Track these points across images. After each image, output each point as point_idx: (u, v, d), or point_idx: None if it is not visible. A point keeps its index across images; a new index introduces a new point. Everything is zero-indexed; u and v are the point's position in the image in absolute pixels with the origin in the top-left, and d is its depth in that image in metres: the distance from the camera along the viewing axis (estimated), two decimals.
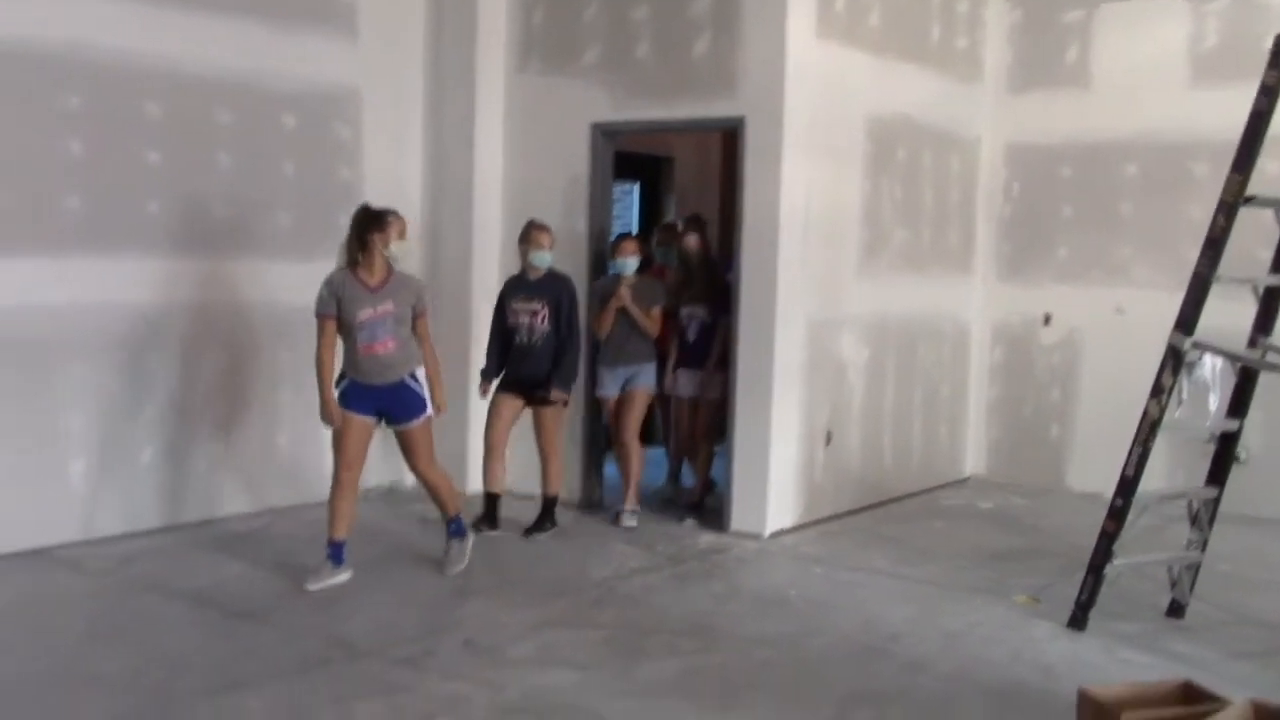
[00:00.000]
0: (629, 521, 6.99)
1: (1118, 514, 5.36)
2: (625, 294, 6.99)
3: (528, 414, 6.88)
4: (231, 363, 6.89)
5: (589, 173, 7.48)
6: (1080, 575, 5.50)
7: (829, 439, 7.36)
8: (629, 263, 7.06)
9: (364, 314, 5.60)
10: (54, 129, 6.09)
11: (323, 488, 7.08)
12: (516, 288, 6.83)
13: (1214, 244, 5.18)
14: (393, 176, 7.71)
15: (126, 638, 5.00)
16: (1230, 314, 5.46)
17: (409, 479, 7.80)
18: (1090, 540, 5.51)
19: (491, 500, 6.82)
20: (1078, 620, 5.44)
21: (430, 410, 5.80)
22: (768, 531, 6.91)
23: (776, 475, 6.94)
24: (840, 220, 7.36)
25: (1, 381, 5.95)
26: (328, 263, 6.65)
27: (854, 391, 7.61)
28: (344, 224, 7.34)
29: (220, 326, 6.81)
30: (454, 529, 6.06)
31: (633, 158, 9.14)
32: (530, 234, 6.76)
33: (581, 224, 7.47)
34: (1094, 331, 8.40)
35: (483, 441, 6.88)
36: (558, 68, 7.62)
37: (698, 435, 7.51)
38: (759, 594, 5.93)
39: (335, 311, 5.62)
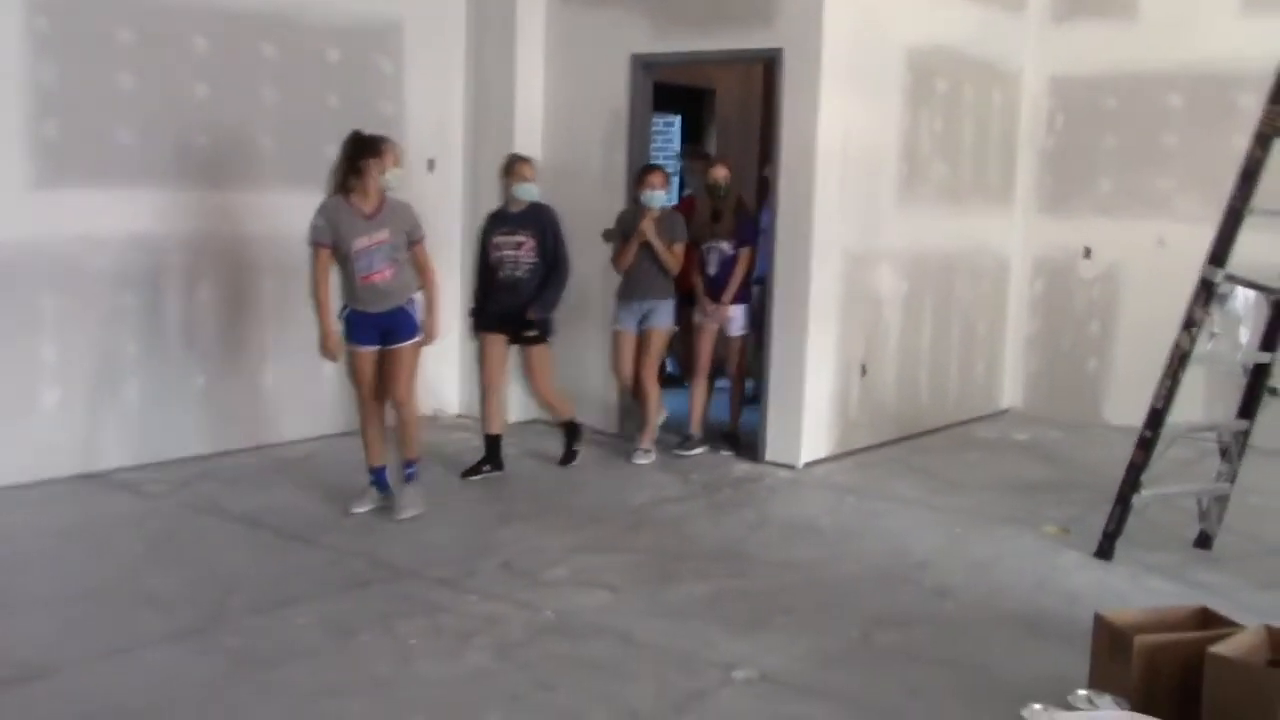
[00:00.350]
0: (641, 459, 6.99)
1: (1146, 445, 5.42)
2: (649, 226, 6.84)
3: None
4: (279, 292, 7.04)
5: (628, 105, 7.52)
6: (1109, 507, 5.57)
7: (864, 371, 7.43)
8: (657, 195, 6.88)
9: (360, 242, 5.57)
10: (105, 62, 6.23)
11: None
12: (498, 221, 6.62)
13: (1249, 176, 5.18)
14: (434, 110, 7.81)
15: (182, 557, 5.22)
16: (1266, 246, 5.46)
17: (450, 406, 8.02)
18: (1123, 473, 5.56)
19: (492, 441, 6.67)
20: (1105, 550, 5.52)
21: (420, 335, 5.79)
22: (802, 462, 7.02)
23: (811, 407, 7.03)
24: (878, 153, 7.36)
25: (61, 307, 6.15)
26: None
27: (890, 325, 7.66)
28: None
29: (266, 258, 6.95)
30: (409, 473, 5.89)
31: (675, 90, 9.16)
32: (514, 166, 6.58)
33: (621, 156, 7.52)
34: (1134, 265, 8.38)
35: (478, 384, 6.79)
36: None
37: (731, 369, 7.42)
38: (790, 522, 6.06)
39: (330, 240, 5.58)
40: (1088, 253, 8.60)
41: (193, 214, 6.61)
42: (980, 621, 4.76)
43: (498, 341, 6.62)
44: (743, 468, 7.03)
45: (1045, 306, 8.86)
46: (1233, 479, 5.68)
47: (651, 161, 7.14)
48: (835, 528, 5.96)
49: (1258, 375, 5.64)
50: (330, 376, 7.35)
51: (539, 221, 6.55)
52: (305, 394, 7.18)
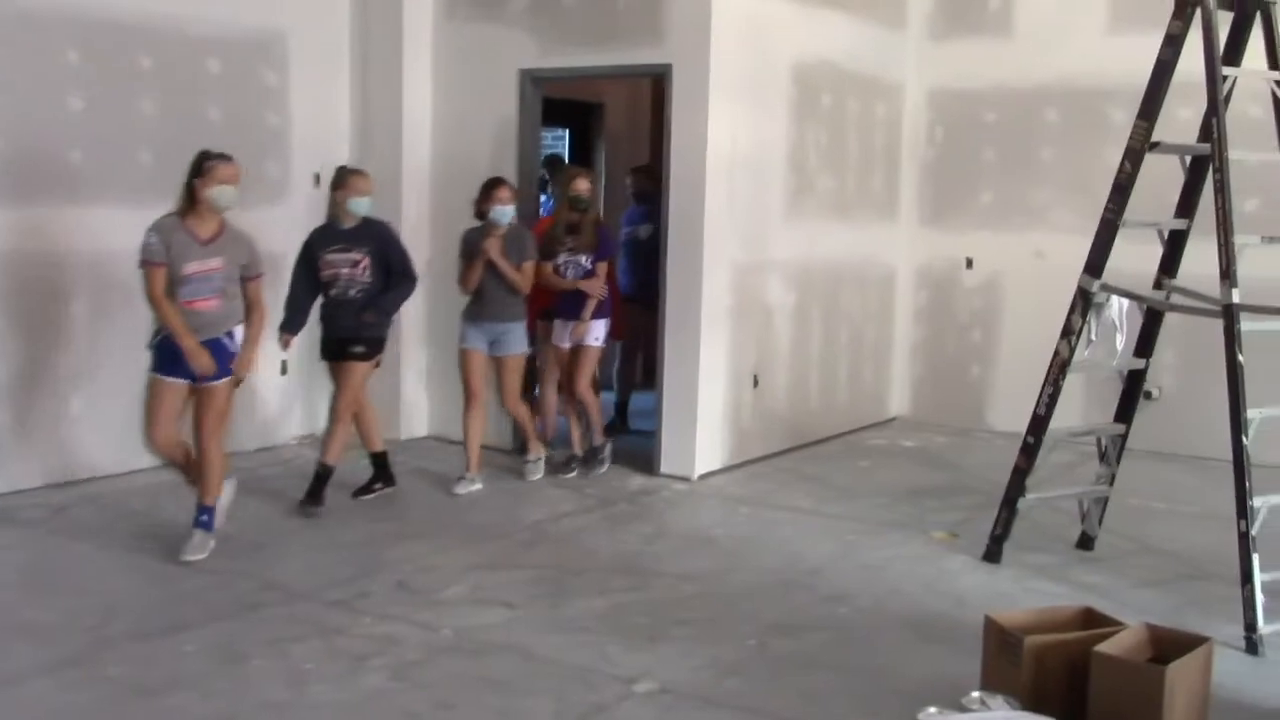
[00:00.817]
0: (532, 474, 6.93)
1: (1029, 451, 5.57)
2: (493, 245, 6.50)
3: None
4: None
5: (518, 119, 7.51)
6: (995, 511, 5.71)
7: (756, 382, 7.50)
8: (505, 211, 6.57)
9: (190, 267, 5.23)
10: None
11: (266, 433, 7.19)
12: (329, 237, 6.21)
13: (1121, 189, 5.35)
14: (320, 122, 7.69)
15: (59, 585, 5.04)
16: (1138, 256, 5.67)
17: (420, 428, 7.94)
18: (1007, 477, 5.70)
19: (379, 458, 6.49)
20: (991, 553, 5.66)
21: (231, 375, 5.42)
22: (696, 474, 7.06)
23: (705, 418, 7.08)
24: (766, 165, 7.46)
25: None
26: (256, 209, 6.68)
27: (781, 335, 7.76)
28: (272, 170, 7.43)
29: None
30: (203, 519, 5.42)
31: (563, 104, 9.16)
32: (348, 179, 6.21)
33: (511, 170, 7.48)
34: (1014, 275, 8.61)
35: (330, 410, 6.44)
36: (485, 14, 7.61)
37: (576, 384, 7.03)
38: (686, 534, 6.09)
39: (165, 260, 5.22)
40: (969, 263, 8.81)
41: (63, 230, 6.40)
42: (873, 627, 4.84)
43: (333, 368, 6.36)
44: (638, 481, 7.04)
45: (930, 316, 9.05)
46: (1111, 481, 5.86)
47: (497, 176, 6.79)
48: (731, 538, 6.01)
49: (1133, 380, 5.84)
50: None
51: (375, 238, 6.21)
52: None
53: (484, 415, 6.83)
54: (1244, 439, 4.73)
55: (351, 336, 6.20)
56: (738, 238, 7.19)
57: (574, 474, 7.03)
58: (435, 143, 7.80)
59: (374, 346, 6.28)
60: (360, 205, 6.21)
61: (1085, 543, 5.90)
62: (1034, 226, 8.50)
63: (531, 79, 7.49)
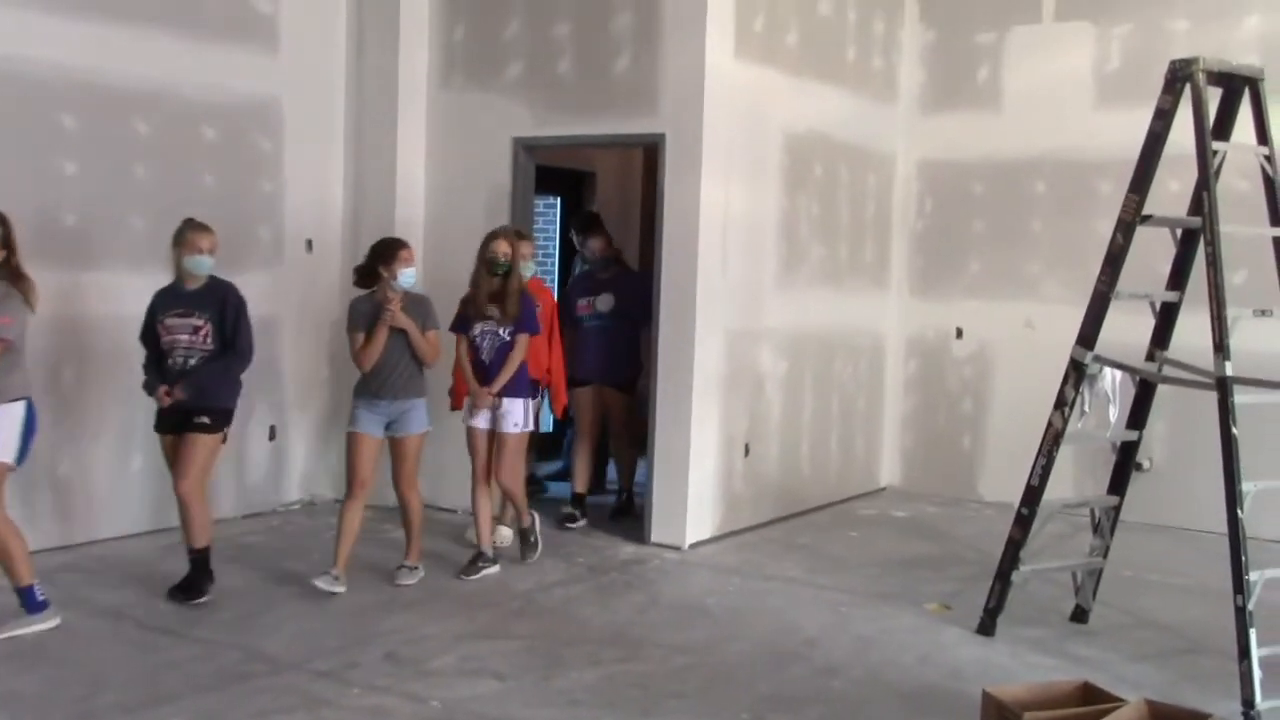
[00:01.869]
0: (405, 579, 6.07)
1: (1023, 522, 5.55)
2: (397, 308, 5.87)
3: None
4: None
5: (511, 187, 7.55)
6: (989, 582, 5.67)
7: (747, 450, 7.48)
8: (409, 274, 5.98)
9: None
10: None
11: (255, 499, 7.10)
12: (170, 301, 5.72)
13: (1113, 261, 5.39)
14: (314, 188, 7.73)
15: (43, 655, 4.95)
16: (1130, 328, 5.69)
17: (326, 492, 7.85)
18: (1000, 548, 5.68)
19: (197, 556, 5.74)
20: (986, 626, 5.61)
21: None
22: (687, 543, 7.01)
23: (696, 487, 7.05)
24: (759, 235, 7.50)
25: None
26: (248, 274, 6.69)
27: (772, 403, 7.75)
28: (265, 236, 7.45)
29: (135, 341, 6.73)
30: (29, 601, 5.18)
31: (555, 172, 9.22)
32: (186, 236, 5.68)
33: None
34: (1004, 345, 8.64)
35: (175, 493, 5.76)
36: (480, 83, 7.68)
37: (498, 474, 6.37)
38: (678, 604, 6.03)
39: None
40: (959, 333, 8.85)
41: (55, 295, 6.37)
42: (868, 700, 4.78)
43: (165, 442, 5.82)
44: (629, 550, 6.99)
45: (920, 385, 9.07)
46: (1105, 553, 5.84)
47: (397, 237, 6.28)
48: (723, 608, 5.95)
49: (1126, 452, 5.83)
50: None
51: (218, 300, 5.70)
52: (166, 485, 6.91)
53: (363, 507, 6.03)
54: (1239, 512, 4.72)
55: (195, 407, 5.63)
56: (730, 306, 7.22)
57: (480, 575, 6.28)
58: (428, 210, 7.83)
59: (221, 418, 5.73)
60: (200, 265, 5.68)
61: (1080, 615, 5.86)
62: (1024, 297, 8.55)
63: (525, 147, 7.54)
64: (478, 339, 6.31)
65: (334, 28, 7.80)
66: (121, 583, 5.97)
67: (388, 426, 6.01)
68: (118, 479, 6.76)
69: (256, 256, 7.31)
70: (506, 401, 6.28)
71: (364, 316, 5.98)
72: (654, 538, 7.06)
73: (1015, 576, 5.56)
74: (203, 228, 5.74)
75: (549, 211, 10.18)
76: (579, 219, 8.43)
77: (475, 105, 7.69)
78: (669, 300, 6.98)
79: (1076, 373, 5.46)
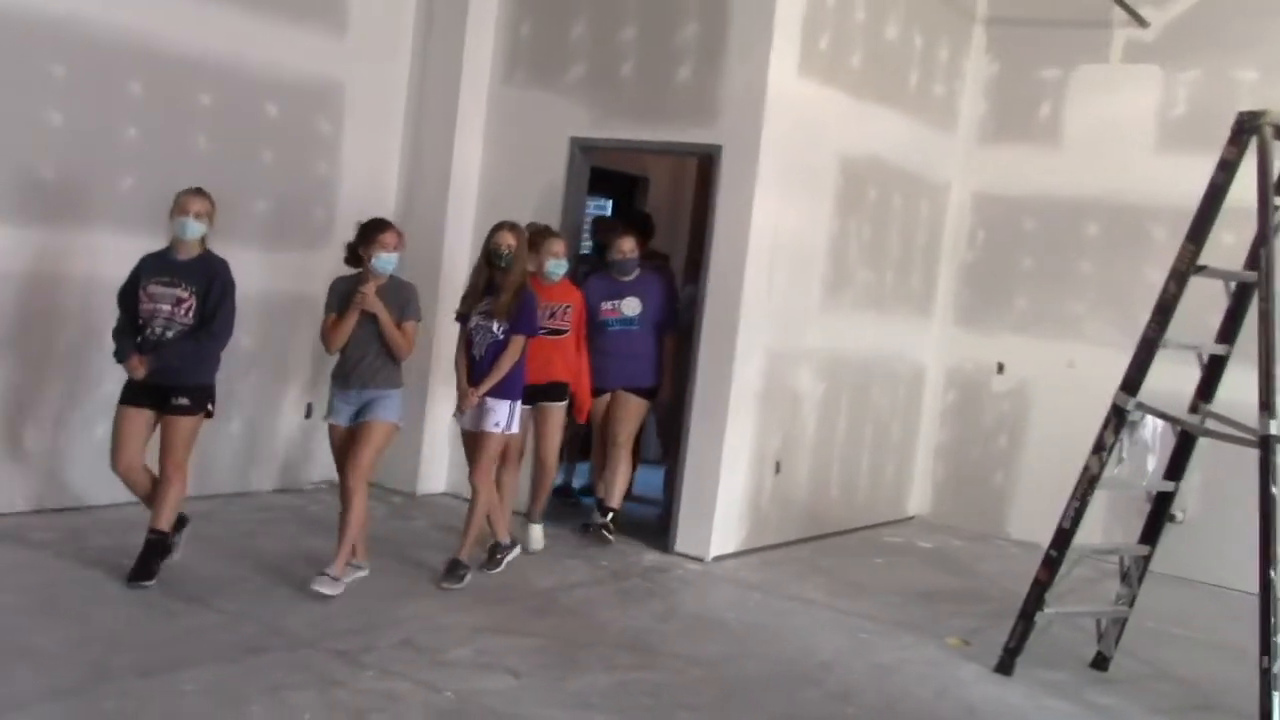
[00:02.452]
0: (325, 588, 5.47)
1: (1051, 564, 5.50)
2: (370, 290, 5.57)
3: None
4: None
5: (564, 184, 7.57)
6: (1011, 621, 5.63)
7: (778, 468, 7.46)
8: (389, 260, 5.68)
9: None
10: (33, 97, 6.11)
11: (287, 475, 7.13)
12: (157, 267, 5.49)
13: (1164, 309, 5.34)
14: (370, 173, 7.78)
15: (65, 611, 5.01)
16: (1175, 377, 5.64)
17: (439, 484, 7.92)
18: (1024, 588, 5.64)
19: (155, 540, 5.46)
20: (1005, 665, 5.56)
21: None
22: (711, 555, 7.00)
23: (724, 501, 7.03)
24: (807, 255, 7.48)
25: None
26: (297, 254, 6.74)
27: (807, 423, 7.72)
28: (317, 216, 7.51)
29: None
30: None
31: (607, 174, 9.23)
32: (178, 199, 5.48)
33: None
34: (1044, 383, 8.57)
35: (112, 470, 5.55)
36: (542, 81, 7.71)
37: (470, 473, 6.16)
38: (697, 615, 6.02)
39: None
40: (1000, 368, 8.78)
41: (110, 258, 6.44)
42: None
43: (138, 417, 5.48)
44: (651, 557, 6.98)
45: (956, 417, 9.01)
46: (1132, 602, 5.78)
47: (381, 218, 5.91)
48: (742, 624, 5.94)
49: (1161, 502, 5.77)
50: (236, 434, 7.21)
51: (207, 274, 5.47)
52: (211, 449, 6.98)
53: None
54: (1272, 573, 4.66)
55: (173, 384, 5.43)
56: (773, 324, 7.20)
57: (503, 565, 6.25)
58: (481, 202, 7.86)
59: (200, 396, 5.52)
60: (185, 228, 5.43)
61: (1100, 663, 5.80)
62: (1067, 336, 8.48)
63: (581, 148, 7.56)
64: (473, 332, 6.07)
65: (402, 14, 7.86)
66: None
67: (356, 415, 5.70)
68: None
69: (306, 236, 7.38)
70: (490, 400, 5.99)
71: (340, 297, 5.70)
72: (678, 547, 7.04)
73: (1039, 618, 5.51)
74: (197, 191, 5.51)
75: (599, 211, 10.19)
76: (602, 221, 8.47)
77: (535, 102, 7.71)
78: (712, 313, 6.97)
79: (1117, 418, 5.41)
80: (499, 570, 6.23)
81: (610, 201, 10.25)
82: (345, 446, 5.71)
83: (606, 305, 7.17)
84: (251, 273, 6.90)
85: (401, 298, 5.70)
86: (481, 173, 7.88)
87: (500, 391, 6.01)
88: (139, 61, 6.49)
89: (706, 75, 7.06)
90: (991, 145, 8.87)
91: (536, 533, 6.82)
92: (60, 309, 6.33)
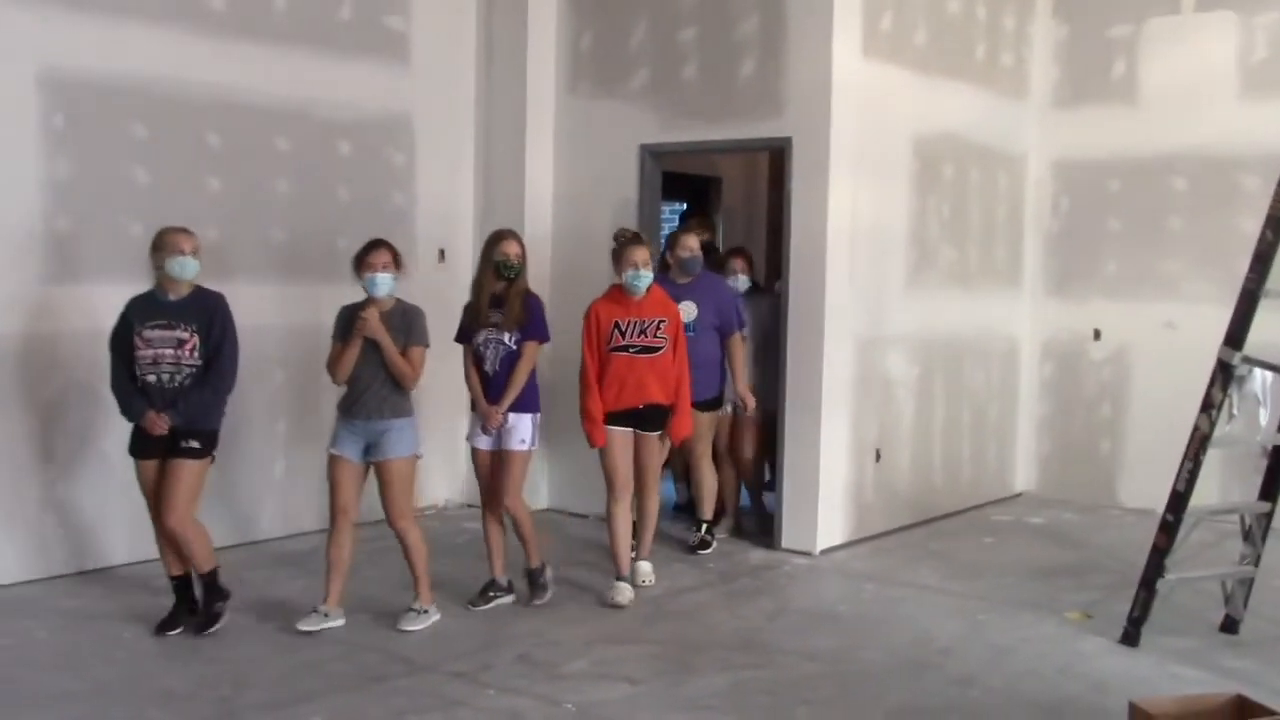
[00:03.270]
0: (409, 624, 5.46)
1: (1169, 529, 5.36)
2: (373, 316, 5.35)
3: None
4: (288, 381, 7.03)
5: (638, 193, 7.59)
6: (1132, 591, 5.50)
7: (878, 456, 7.39)
8: (381, 280, 5.42)
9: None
10: (120, 158, 6.30)
11: (378, 509, 7.18)
12: (149, 311, 5.24)
13: (1261, 259, 5.18)
14: (445, 200, 7.88)
15: (192, 652, 5.14)
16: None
17: (453, 498, 7.95)
18: (1142, 556, 5.51)
19: (181, 583, 5.48)
20: (1130, 636, 5.44)
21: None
22: (818, 548, 6.95)
23: (827, 493, 6.98)
24: (887, 238, 7.40)
25: (63, 399, 6.13)
26: None
27: (903, 409, 7.64)
28: (398, 247, 7.57)
29: (274, 350, 6.92)
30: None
31: (680, 178, 9.24)
32: (166, 238, 5.24)
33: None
34: (1144, 346, 8.37)
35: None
36: (606, 90, 7.74)
37: (504, 497, 5.82)
38: (809, 610, 5.98)
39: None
40: (1097, 335, 8.60)
41: None
42: (1006, 710, 4.67)
43: (151, 470, 5.33)
44: (759, 555, 6.95)
45: (1056, 389, 8.84)
46: (1256, 561, 5.61)
47: (377, 239, 5.63)
48: (855, 615, 5.88)
49: (1278, 457, 5.60)
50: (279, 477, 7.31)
51: (206, 312, 5.28)
52: (316, 486, 7.08)
53: (352, 536, 5.52)
54: None
55: (184, 430, 5.24)
56: (859, 311, 7.14)
57: (490, 605, 5.84)
58: (556, 217, 7.92)
59: (209, 441, 5.34)
60: (185, 267, 5.23)
61: (1230, 626, 5.63)
62: (1164, 297, 8.28)
63: (651, 154, 7.57)
64: (481, 348, 5.78)
65: (463, 41, 7.95)
66: (265, 583, 6.15)
67: (367, 450, 5.45)
68: (258, 483, 6.97)
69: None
70: (512, 417, 5.73)
71: (345, 324, 5.47)
72: (784, 543, 7.01)
73: (1160, 585, 5.38)
74: (182, 230, 5.30)
75: (674, 217, 10.21)
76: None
77: (602, 112, 7.75)
78: (797, 305, 6.93)
79: (1224, 374, 5.27)
80: (484, 608, 5.80)
81: (685, 205, 10.26)
82: (352, 480, 5.45)
83: None
84: (335, 309, 7.03)
85: (406, 322, 5.46)
86: (554, 188, 7.93)
87: (521, 406, 5.75)
88: (216, 115, 6.65)
89: (770, 68, 7.03)
90: (1067, 110, 8.70)
91: (645, 569, 6.29)
92: None
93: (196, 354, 5.24)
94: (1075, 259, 8.71)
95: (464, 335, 5.88)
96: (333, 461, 5.47)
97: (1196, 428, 5.34)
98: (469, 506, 7.93)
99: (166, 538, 5.36)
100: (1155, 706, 3.84)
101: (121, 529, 6.30)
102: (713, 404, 6.92)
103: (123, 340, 5.26)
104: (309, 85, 7.07)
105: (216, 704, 4.56)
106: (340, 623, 5.44)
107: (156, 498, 5.32)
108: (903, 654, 5.30)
